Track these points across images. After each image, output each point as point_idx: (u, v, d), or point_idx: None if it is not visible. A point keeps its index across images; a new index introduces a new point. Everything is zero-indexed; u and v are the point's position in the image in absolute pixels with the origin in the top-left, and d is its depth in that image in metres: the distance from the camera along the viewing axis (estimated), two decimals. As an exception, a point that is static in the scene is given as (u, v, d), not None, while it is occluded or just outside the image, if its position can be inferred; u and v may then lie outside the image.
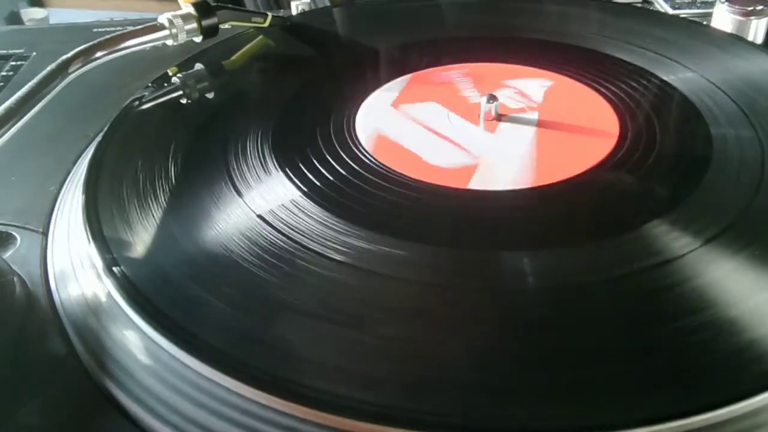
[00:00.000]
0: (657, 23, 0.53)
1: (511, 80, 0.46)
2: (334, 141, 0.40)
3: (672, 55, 0.48)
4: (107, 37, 0.45)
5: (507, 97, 0.44)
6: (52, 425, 0.27)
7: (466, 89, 0.45)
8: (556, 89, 0.45)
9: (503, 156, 0.38)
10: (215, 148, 0.39)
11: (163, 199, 0.35)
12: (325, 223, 0.33)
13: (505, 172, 0.37)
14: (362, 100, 0.44)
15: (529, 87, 0.45)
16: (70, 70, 0.41)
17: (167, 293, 0.29)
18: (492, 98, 0.42)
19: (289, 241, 0.32)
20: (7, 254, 0.35)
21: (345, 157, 0.38)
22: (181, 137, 0.40)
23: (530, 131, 0.41)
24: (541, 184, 0.36)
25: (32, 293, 0.33)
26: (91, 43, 0.44)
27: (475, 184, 0.36)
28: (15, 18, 1.54)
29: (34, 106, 0.38)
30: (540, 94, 0.44)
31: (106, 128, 0.42)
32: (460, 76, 0.47)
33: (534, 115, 0.42)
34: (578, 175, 0.36)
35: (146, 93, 0.45)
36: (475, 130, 0.41)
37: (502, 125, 0.42)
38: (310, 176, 0.36)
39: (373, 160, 0.38)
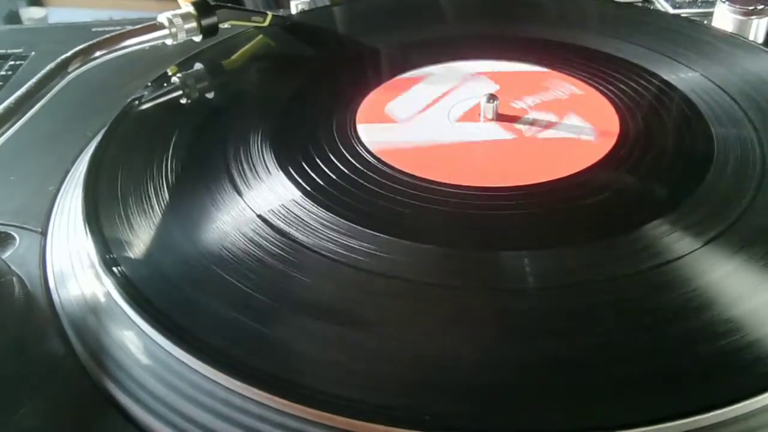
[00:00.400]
0: (657, 23, 0.53)
1: (516, 79, 0.46)
2: (335, 140, 0.40)
3: (673, 54, 0.48)
4: (106, 36, 0.45)
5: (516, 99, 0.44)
6: (51, 425, 0.27)
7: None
8: (576, 99, 0.45)
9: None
10: (215, 148, 0.39)
11: (162, 198, 0.35)
12: (325, 222, 0.33)
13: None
14: (362, 100, 0.44)
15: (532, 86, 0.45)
16: (69, 70, 0.41)
17: (167, 293, 0.29)
18: (492, 98, 0.42)
19: (289, 241, 0.32)
20: (6, 254, 0.35)
21: (346, 156, 0.38)
22: (180, 137, 0.40)
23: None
24: (541, 182, 0.36)
25: (31, 293, 0.33)
26: (90, 43, 0.44)
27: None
28: (14, 17, 1.54)
29: (33, 105, 0.38)
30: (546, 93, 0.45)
31: (105, 128, 0.41)
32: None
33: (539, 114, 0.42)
34: (578, 175, 0.36)
35: (146, 93, 0.45)
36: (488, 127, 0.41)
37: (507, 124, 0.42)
38: (310, 176, 0.36)
39: (373, 159, 0.38)
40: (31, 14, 1.57)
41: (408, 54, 0.50)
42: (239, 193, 0.35)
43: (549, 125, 0.41)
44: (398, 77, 0.47)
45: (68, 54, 0.42)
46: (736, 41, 0.49)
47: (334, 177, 0.36)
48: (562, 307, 0.29)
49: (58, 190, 0.40)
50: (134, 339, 0.29)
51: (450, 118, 0.42)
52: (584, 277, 0.30)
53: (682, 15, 0.57)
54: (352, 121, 0.42)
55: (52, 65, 0.41)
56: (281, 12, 0.62)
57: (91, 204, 0.34)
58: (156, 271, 0.31)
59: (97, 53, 0.44)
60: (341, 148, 0.39)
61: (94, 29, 0.61)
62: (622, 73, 0.46)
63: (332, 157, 0.38)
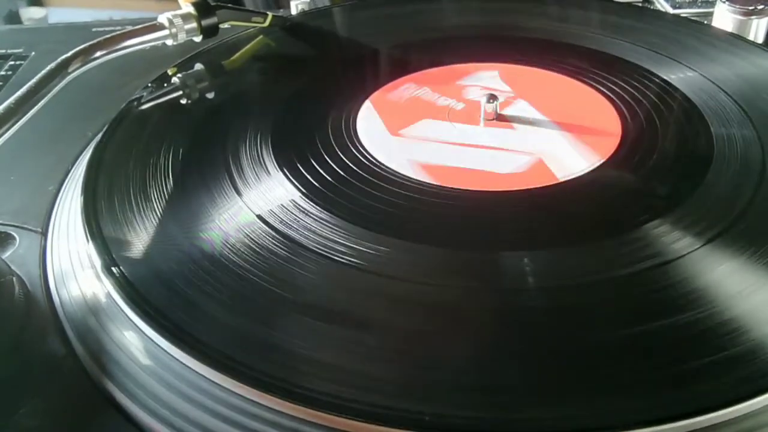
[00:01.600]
0: (658, 23, 0.53)
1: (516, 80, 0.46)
2: (334, 141, 0.40)
3: (673, 54, 0.48)
4: (106, 36, 0.45)
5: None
6: (51, 425, 0.27)
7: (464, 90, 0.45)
8: (556, 88, 0.45)
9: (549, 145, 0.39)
10: (215, 148, 0.39)
11: (162, 198, 0.35)
12: (325, 222, 0.33)
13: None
14: (362, 100, 0.44)
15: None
16: (69, 70, 0.41)
17: (166, 293, 0.29)
18: (492, 98, 0.42)
19: (288, 241, 0.32)
20: (6, 254, 0.35)
21: (344, 157, 0.38)
22: (180, 137, 0.40)
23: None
24: (541, 182, 0.36)
25: (31, 293, 0.33)
26: (90, 43, 0.44)
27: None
28: (14, 17, 1.54)
29: (33, 105, 0.38)
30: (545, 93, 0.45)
31: (105, 128, 0.41)
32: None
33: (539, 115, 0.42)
34: (578, 174, 0.36)
35: (146, 93, 0.45)
36: (502, 132, 0.41)
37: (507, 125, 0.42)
38: (310, 176, 0.36)
39: (373, 159, 0.38)
40: (31, 14, 1.57)
41: (407, 55, 0.50)
42: (239, 194, 0.35)
43: (548, 125, 0.41)
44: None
45: (68, 54, 0.42)
46: (736, 41, 0.49)
47: (334, 177, 0.36)
48: (562, 307, 0.29)
49: (58, 190, 0.40)
50: (134, 340, 0.29)
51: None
52: (584, 277, 0.30)
53: (682, 15, 0.57)
54: (352, 121, 0.42)
55: (52, 65, 0.41)
56: (281, 12, 0.62)
57: (91, 204, 0.34)
58: (156, 272, 0.31)
59: (97, 53, 0.44)
60: (341, 148, 0.39)
61: (94, 29, 0.61)
62: (622, 73, 0.46)
63: (332, 158, 0.38)
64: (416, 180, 0.36)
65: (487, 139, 0.40)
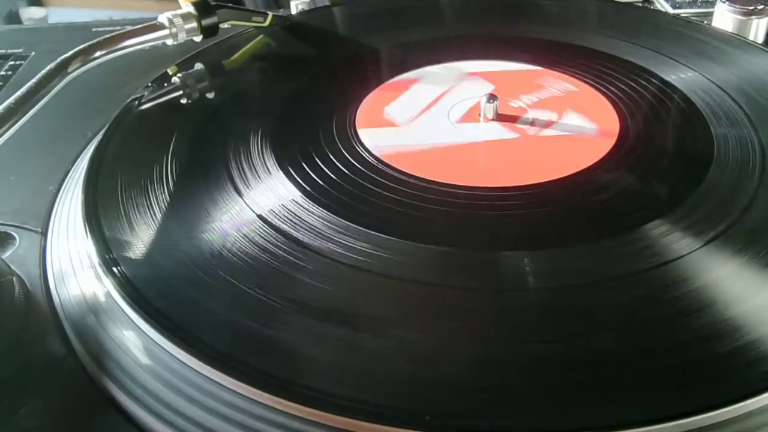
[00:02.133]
0: (657, 23, 0.53)
1: (514, 79, 0.46)
2: (335, 140, 0.40)
3: (673, 54, 0.48)
4: (106, 36, 0.45)
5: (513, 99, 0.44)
6: (51, 425, 0.27)
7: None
8: (572, 96, 0.45)
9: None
10: (215, 148, 0.39)
11: (162, 198, 0.35)
12: (325, 222, 0.33)
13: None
14: (362, 100, 0.44)
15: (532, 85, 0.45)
16: (69, 70, 0.41)
17: (167, 293, 0.29)
18: (492, 98, 0.42)
19: (289, 241, 0.32)
20: (6, 254, 0.35)
21: (346, 156, 0.38)
22: (180, 137, 0.40)
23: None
24: (540, 182, 0.36)
25: (31, 293, 0.33)
26: (90, 43, 0.44)
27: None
28: (14, 17, 1.54)
29: (33, 105, 0.38)
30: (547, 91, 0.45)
31: (105, 128, 0.41)
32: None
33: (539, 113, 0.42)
34: (578, 175, 0.36)
35: (146, 92, 0.45)
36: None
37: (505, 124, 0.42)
38: (310, 176, 0.36)
39: (373, 158, 0.38)
40: (31, 14, 1.57)
41: (407, 54, 0.50)
42: (239, 193, 0.35)
43: (549, 123, 0.41)
44: (396, 78, 0.47)
45: (68, 54, 0.42)
46: (736, 41, 0.49)
47: (335, 177, 0.36)
48: (562, 306, 0.29)
49: (58, 190, 0.40)
50: (134, 339, 0.29)
51: (450, 120, 0.42)
52: (584, 277, 0.30)
53: (682, 15, 0.57)
54: (352, 120, 0.42)
55: (52, 65, 0.41)
56: (281, 12, 0.62)
57: (91, 204, 0.34)
58: (156, 271, 0.31)
59: (98, 53, 0.44)
60: (341, 148, 0.39)
61: (94, 29, 0.61)
62: (622, 73, 0.46)
63: (332, 157, 0.38)
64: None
65: (488, 137, 0.40)
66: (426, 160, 0.38)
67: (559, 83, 0.46)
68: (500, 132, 0.41)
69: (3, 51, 0.58)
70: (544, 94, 0.44)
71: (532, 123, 0.41)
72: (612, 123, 0.41)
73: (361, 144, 0.39)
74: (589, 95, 0.44)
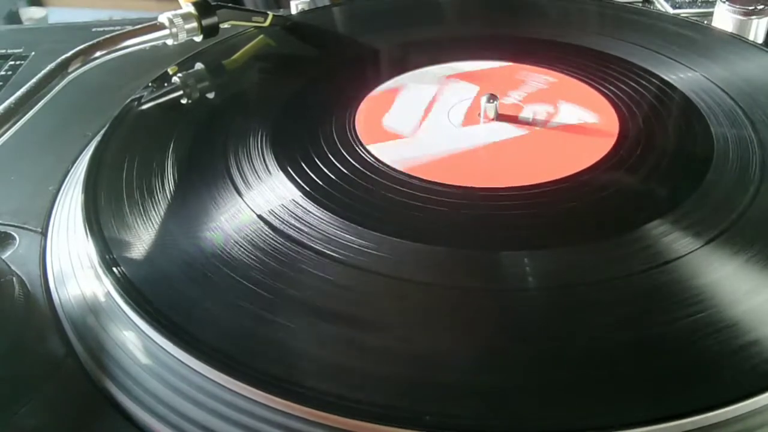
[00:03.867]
0: (657, 23, 0.53)
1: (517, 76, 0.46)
2: (335, 140, 0.40)
3: (673, 54, 0.48)
4: (107, 36, 0.45)
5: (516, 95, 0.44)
6: (51, 425, 0.27)
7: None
8: (556, 87, 0.45)
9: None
10: (215, 148, 0.39)
11: (162, 198, 0.35)
12: (325, 222, 0.33)
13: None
14: (362, 99, 0.44)
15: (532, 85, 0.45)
16: (69, 70, 0.41)
17: (167, 293, 0.29)
18: (492, 98, 0.42)
19: (289, 241, 0.32)
20: (6, 254, 0.35)
21: (346, 156, 0.38)
22: (180, 137, 0.40)
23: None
24: (540, 182, 0.36)
25: (31, 293, 0.33)
26: (90, 43, 0.44)
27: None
28: (14, 17, 1.54)
29: (33, 105, 0.38)
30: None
31: (105, 128, 0.41)
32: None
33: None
34: (578, 174, 0.36)
35: (146, 92, 0.45)
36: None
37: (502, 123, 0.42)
38: (311, 176, 0.36)
39: (373, 158, 0.38)
40: (31, 14, 1.57)
41: (407, 54, 0.50)
42: (239, 193, 0.35)
43: (549, 116, 0.41)
44: (394, 79, 0.47)
45: (68, 54, 0.42)
46: (736, 41, 0.49)
47: (334, 177, 0.36)
48: (562, 306, 0.29)
49: (58, 190, 0.40)
50: (134, 339, 0.29)
51: (453, 124, 0.42)
52: (584, 276, 0.30)
53: (682, 15, 0.57)
54: (352, 120, 0.42)
55: (52, 65, 0.41)
56: (281, 12, 0.62)
57: (91, 204, 0.34)
58: (156, 271, 0.31)
59: (98, 53, 0.44)
60: (342, 147, 0.39)
61: (94, 29, 0.61)
62: (621, 73, 0.46)
63: (332, 157, 0.38)
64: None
65: (488, 137, 0.40)
66: (427, 159, 0.38)
67: (537, 76, 0.46)
68: (507, 130, 0.41)
69: (3, 51, 0.58)
70: (529, 88, 0.44)
71: (534, 117, 0.41)
72: (612, 123, 0.41)
73: (362, 144, 0.39)
74: (571, 84, 0.44)
